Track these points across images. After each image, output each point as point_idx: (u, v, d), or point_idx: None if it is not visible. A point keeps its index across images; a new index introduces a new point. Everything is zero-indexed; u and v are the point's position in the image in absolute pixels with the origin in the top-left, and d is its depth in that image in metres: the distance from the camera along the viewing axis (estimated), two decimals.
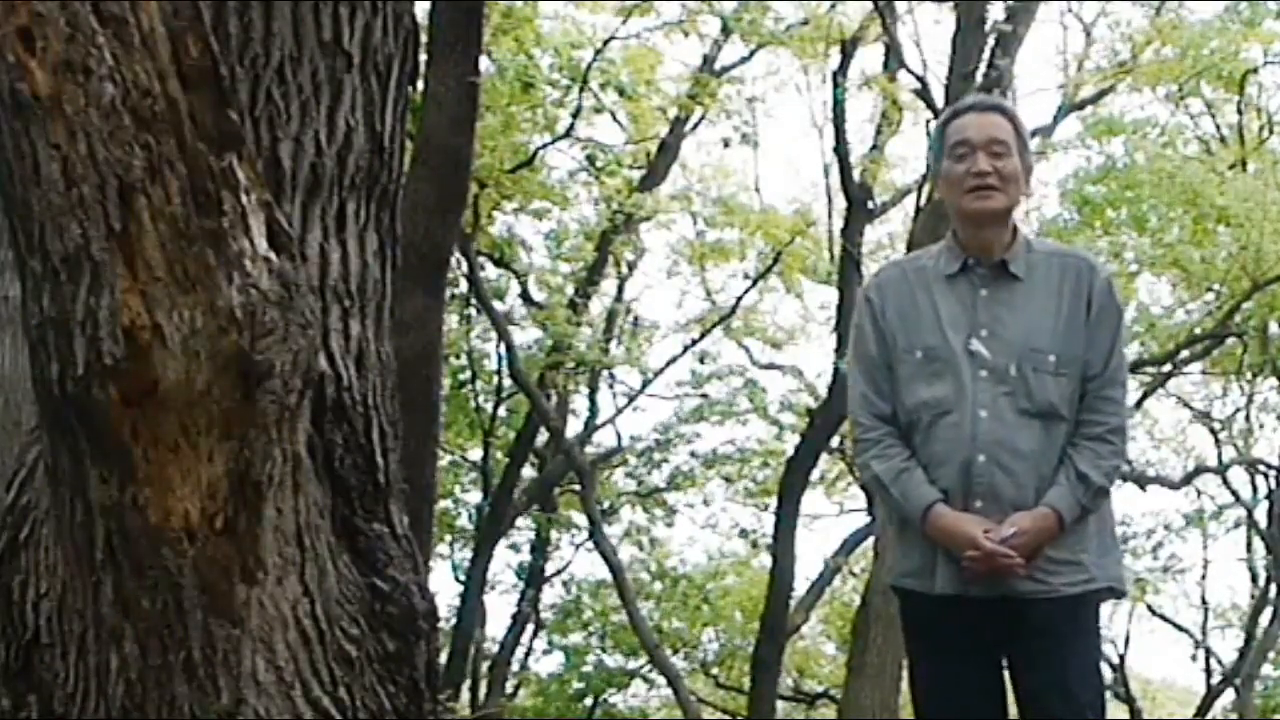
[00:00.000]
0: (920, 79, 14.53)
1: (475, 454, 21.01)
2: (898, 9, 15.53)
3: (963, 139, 4.12)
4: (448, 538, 21.18)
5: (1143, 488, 20.05)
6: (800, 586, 18.05)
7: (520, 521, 21.08)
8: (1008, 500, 4.00)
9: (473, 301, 18.56)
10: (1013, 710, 4.16)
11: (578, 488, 19.21)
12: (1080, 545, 4.05)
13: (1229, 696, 21.44)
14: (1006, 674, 4.19)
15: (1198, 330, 18.17)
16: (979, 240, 4.13)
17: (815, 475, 19.41)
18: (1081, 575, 4.05)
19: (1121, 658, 21.31)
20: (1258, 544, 21.53)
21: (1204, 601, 22.81)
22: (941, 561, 4.04)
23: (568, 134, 17.54)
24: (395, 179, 3.57)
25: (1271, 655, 21.38)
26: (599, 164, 18.29)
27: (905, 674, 12.84)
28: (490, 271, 19.06)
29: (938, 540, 4.03)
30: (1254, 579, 21.86)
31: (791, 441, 19.31)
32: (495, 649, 21.10)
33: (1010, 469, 4.00)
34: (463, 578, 19.49)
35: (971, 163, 4.08)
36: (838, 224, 17.52)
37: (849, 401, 4.30)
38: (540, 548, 21.57)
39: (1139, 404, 18.98)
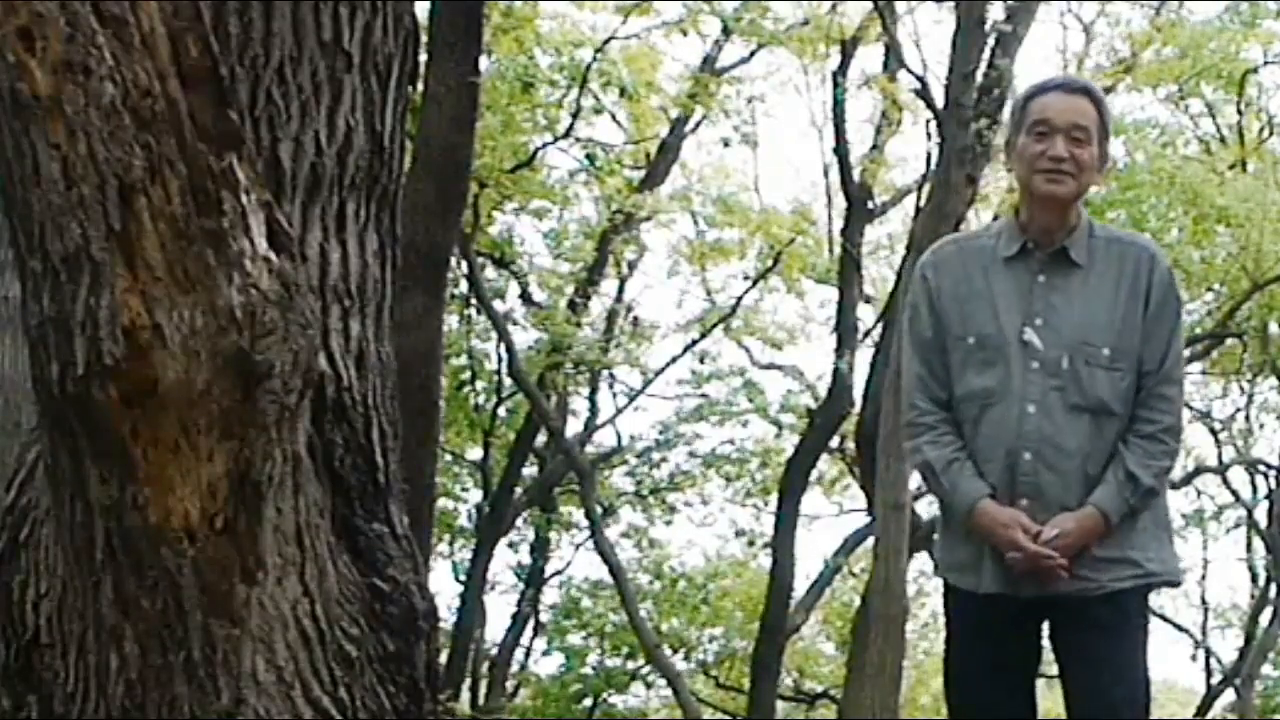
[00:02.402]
0: (920, 79, 14.53)
1: (475, 454, 21.01)
2: (898, 9, 15.54)
3: (1044, 118, 4.02)
4: (448, 538, 21.19)
5: None
6: (800, 586, 18.07)
7: (520, 521, 21.08)
8: (1053, 499, 3.94)
9: (473, 301, 18.56)
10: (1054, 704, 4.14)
11: (578, 488, 19.21)
12: (1130, 542, 3.99)
13: (1229, 696, 21.45)
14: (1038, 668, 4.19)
15: (1198, 330, 18.18)
16: (1042, 222, 4.04)
17: (815, 475, 19.42)
18: (1130, 570, 3.99)
19: None
20: (1258, 544, 21.55)
21: (1204, 601, 22.85)
22: (989, 559, 3.99)
23: (568, 134, 17.54)
24: (395, 179, 3.57)
25: (1271, 655, 21.39)
26: (599, 164, 18.29)
27: (905, 674, 12.84)
28: (490, 271, 19.06)
29: (981, 536, 3.98)
30: (1254, 579, 21.88)
31: (791, 441, 19.32)
32: (495, 649, 21.10)
33: (1057, 467, 3.94)
34: (463, 578, 19.50)
35: (1049, 145, 3.99)
36: (838, 224, 17.54)
37: (904, 383, 4.24)
38: (540, 548, 21.58)
39: None
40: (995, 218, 13.99)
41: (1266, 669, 21.69)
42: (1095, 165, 4.06)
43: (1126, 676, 4.04)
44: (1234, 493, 21.45)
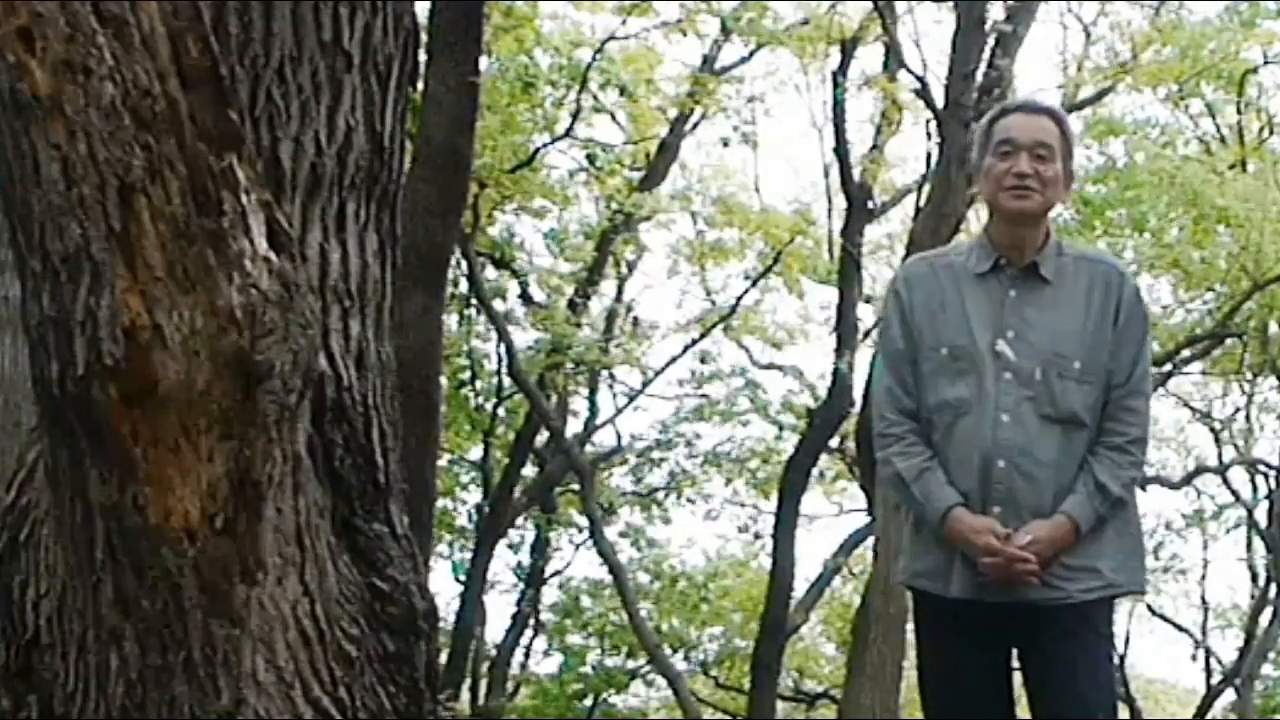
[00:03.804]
0: (920, 79, 14.53)
1: (475, 454, 21.01)
2: (898, 9, 15.53)
3: (1008, 138, 4.12)
4: (448, 538, 21.18)
5: (1143, 488, 20.01)
6: (800, 586, 18.07)
7: (520, 521, 21.08)
8: (1026, 507, 4.00)
9: (473, 301, 18.56)
10: (1024, 711, 4.17)
11: (577, 488, 19.21)
12: (1097, 552, 4.05)
13: (1229, 696, 21.46)
14: (1016, 674, 4.21)
15: (1198, 330, 18.18)
16: (1011, 239, 4.13)
17: (815, 475, 19.41)
18: (1097, 581, 4.05)
19: (1121, 658, 21.32)
20: (1258, 544, 21.55)
21: (1204, 601, 22.87)
22: (958, 564, 4.04)
23: (568, 134, 17.54)
24: (395, 179, 3.57)
25: (1271, 655, 21.40)
26: (599, 164, 18.29)
27: (905, 674, 12.86)
28: (490, 271, 19.06)
29: (955, 543, 4.02)
30: (1254, 579, 21.88)
31: (791, 441, 19.31)
32: (495, 649, 21.10)
33: (1030, 476, 4.00)
34: (463, 578, 19.50)
35: (1014, 162, 4.09)
36: (838, 224, 17.53)
37: (874, 395, 4.31)
38: (540, 548, 21.58)
39: None
40: None
41: (1266, 669, 21.70)
42: (1060, 182, 4.16)
43: (1098, 680, 4.11)
44: (1234, 493, 21.46)
